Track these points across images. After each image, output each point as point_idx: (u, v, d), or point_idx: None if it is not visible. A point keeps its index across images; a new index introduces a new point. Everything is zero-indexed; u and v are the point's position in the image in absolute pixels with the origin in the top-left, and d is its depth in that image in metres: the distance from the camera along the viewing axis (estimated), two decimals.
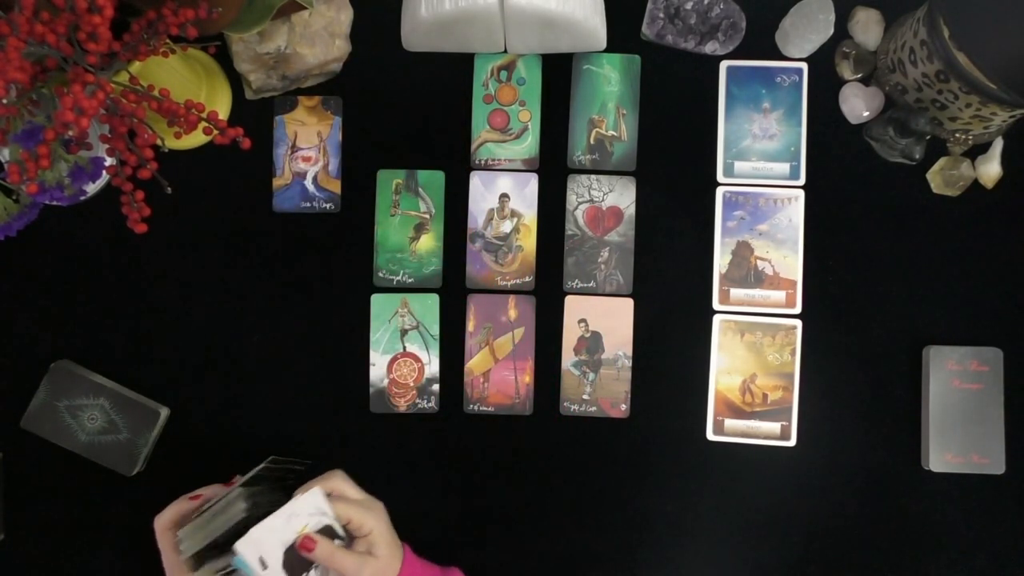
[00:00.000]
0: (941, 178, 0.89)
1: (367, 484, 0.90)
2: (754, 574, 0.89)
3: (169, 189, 0.72)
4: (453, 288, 0.90)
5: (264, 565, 0.72)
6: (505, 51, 0.90)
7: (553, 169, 0.91)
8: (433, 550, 0.90)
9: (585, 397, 0.90)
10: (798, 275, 0.89)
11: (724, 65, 0.91)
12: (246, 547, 0.71)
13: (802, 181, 0.90)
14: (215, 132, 0.68)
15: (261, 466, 0.77)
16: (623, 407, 0.90)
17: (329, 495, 0.75)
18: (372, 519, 0.76)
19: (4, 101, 0.63)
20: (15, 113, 0.64)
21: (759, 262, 0.90)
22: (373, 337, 0.90)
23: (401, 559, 0.77)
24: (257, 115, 0.91)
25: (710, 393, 0.89)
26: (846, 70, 0.90)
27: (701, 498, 0.89)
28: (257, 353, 0.90)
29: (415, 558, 0.79)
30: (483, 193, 0.90)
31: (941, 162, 0.89)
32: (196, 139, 0.89)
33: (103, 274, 0.90)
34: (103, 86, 0.62)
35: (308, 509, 0.74)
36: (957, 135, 0.88)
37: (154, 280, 0.90)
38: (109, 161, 0.70)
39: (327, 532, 0.74)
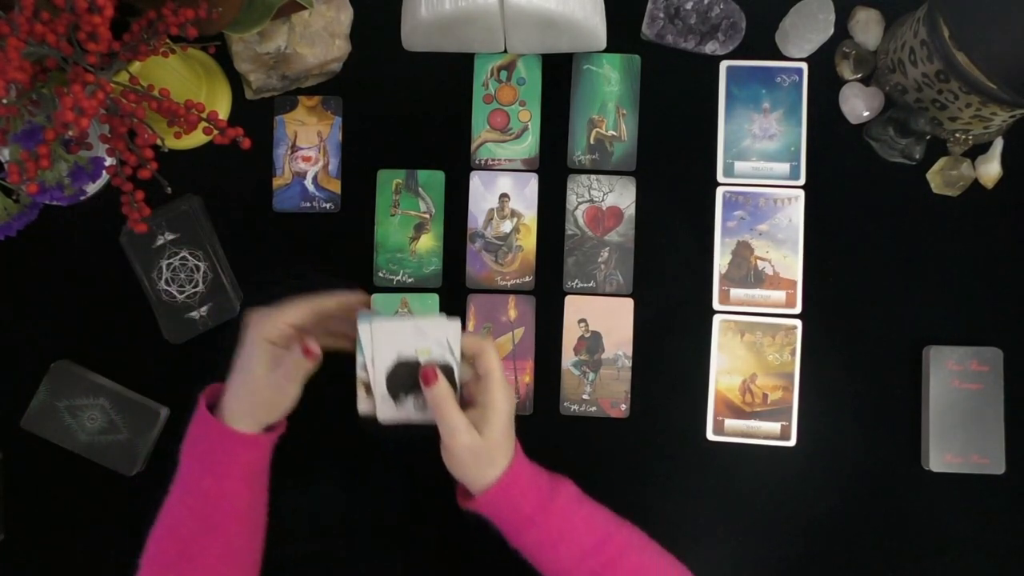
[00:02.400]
0: (941, 178, 0.89)
1: (367, 484, 0.91)
2: (754, 574, 0.89)
3: (169, 189, 0.72)
4: (453, 288, 0.90)
5: (371, 361, 0.70)
6: (505, 51, 0.90)
7: (553, 169, 0.91)
8: (433, 550, 0.90)
9: (585, 397, 0.90)
10: (798, 275, 0.89)
11: (724, 65, 0.91)
12: (366, 319, 0.70)
13: (802, 181, 0.90)
14: (215, 132, 0.68)
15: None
16: (623, 407, 0.90)
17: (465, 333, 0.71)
18: (500, 370, 0.69)
19: (4, 101, 0.63)
20: (15, 113, 0.64)
21: (759, 262, 0.90)
22: None
23: (510, 458, 0.70)
24: (257, 115, 0.91)
25: (710, 393, 0.89)
26: (846, 70, 0.90)
27: (701, 498, 0.89)
28: None
29: (525, 459, 0.73)
30: (483, 193, 0.90)
31: (941, 162, 0.89)
32: (196, 139, 0.89)
33: (103, 274, 0.90)
34: (103, 86, 0.62)
35: (437, 334, 0.70)
36: (957, 135, 0.88)
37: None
38: (109, 161, 0.70)
39: (446, 372, 0.70)
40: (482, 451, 0.69)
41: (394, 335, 0.71)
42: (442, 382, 0.69)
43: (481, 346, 0.71)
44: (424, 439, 0.88)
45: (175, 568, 0.71)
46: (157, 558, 0.72)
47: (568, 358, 0.90)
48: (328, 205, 0.90)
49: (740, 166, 0.90)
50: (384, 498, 0.90)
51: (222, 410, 0.71)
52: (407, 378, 0.71)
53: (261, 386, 0.71)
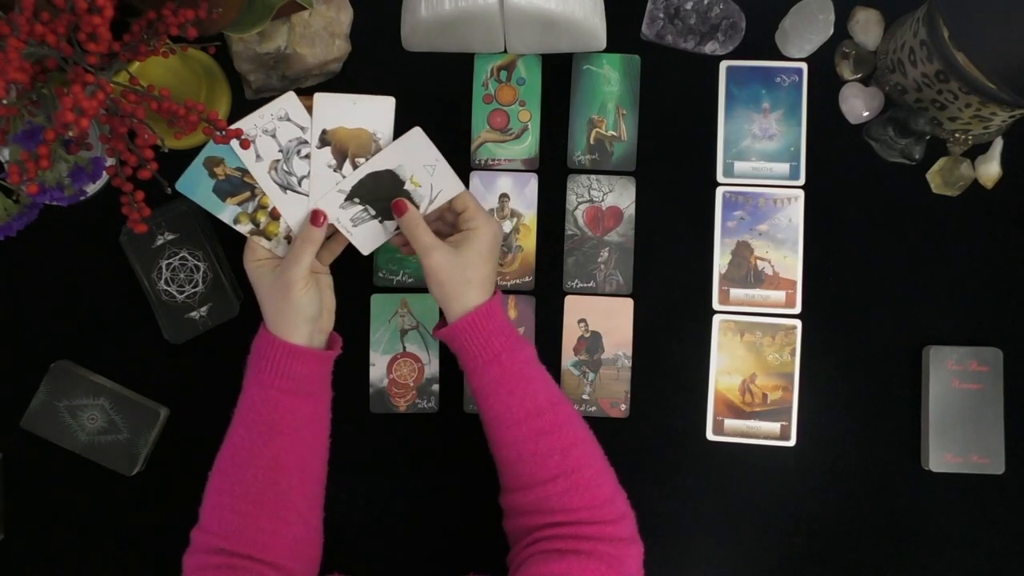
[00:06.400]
0: (941, 178, 0.89)
1: (367, 484, 0.91)
2: (754, 574, 0.89)
3: (169, 189, 0.72)
4: None
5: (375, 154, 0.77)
6: (505, 51, 0.90)
7: (553, 169, 0.91)
8: (433, 549, 0.91)
9: (585, 397, 0.90)
10: (798, 275, 0.89)
11: (724, 65, 0.91)
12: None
13: (802, 181, 0.90)
14: (215, 132, 0.68)
15: None
16: (623, 407, 0.90)
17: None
18: (476, 204, 0.78)
19: (4, 101, 0.63)
20: (15, 113, 0.64)
21: (759, 262, 0.90)
22: (373, 337, 0.90)
23: (490, 294, 0.77)
24: None
25: (710, 393, 0.90)
26: (846, 70, 0.90)
27: (701, 498, 0.89)
28: None
29: (503, 307, 0.78)
30: (483, 193, 0.90)
31: (941, 162, 0.89)
32: (196, 139, 0.89)
33: (103, 274, 0.90)
34: (103, 86, 0.62)
35: (440, 185, 0.78)
36: (957, 135, 0.88)
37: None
38: (109, 161, 0.70)
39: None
40: (457, 268, 0.75)
41: (418, 151, 0.77)
42: (412, 209, 0.76)
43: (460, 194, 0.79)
44: (425, 442, 0.87)
45: (231, 476, 0.75)
46: (219, 474, 0.76)
47: (568, 358, 0.90)
48: None
49: (740, 166, 0.90)
50: (385, 499, 0.90)
51: (269, 329, 0.77)
52: (384, 188, 0.77)
53: (276, 293, 0.75)
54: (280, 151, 0.77)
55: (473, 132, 0.91)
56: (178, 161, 0.78)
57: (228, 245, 0.90)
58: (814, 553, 0.89)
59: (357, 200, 0.78)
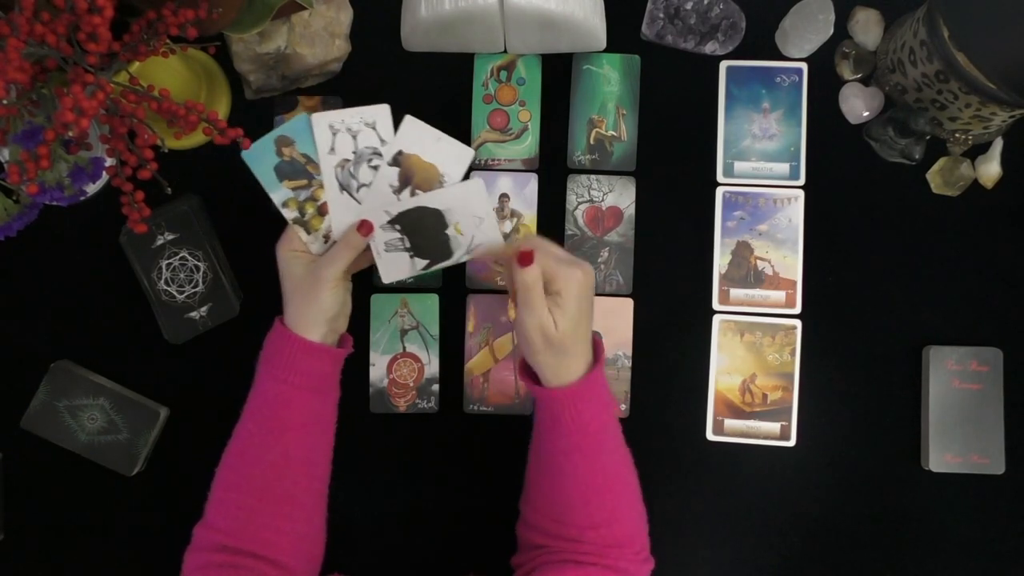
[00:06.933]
0: (941, 178, 0.89)
1: (367, 484, 0.91)
2: (754, 574, 0.89)
3: (169, 189, 0.72)
4: (453, 288, 0.90)
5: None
6: (505, 51, 0.90)
7: (553, 169, 0.91)
8: (433, 549, 0.91)
9: None
10: (798, 275, 0.89)
11: (724, 65, 0.91)
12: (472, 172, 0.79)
13: (802, 181, 0.90)
14: (215, 132, 0.68)
15: None
16: (623, 407, 0.90)
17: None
18: (555, 261, 0.70)
19: (4, 101, 0.63)
20: (15, 113, 0.64)
21: (759, 262, 0.90)
22: (373, 337, 0.90)
23: (589, 359, 0.73)
24: (257, 115, 0.91)
25: (710, 393, 0.90)
26: (846, 70, 0.90)
27: (701, 498, 0.89)
28: (257, 354, 0.90)
29: (603, 370, 0.74)
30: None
31: (941, 162, 0.89)
32: (196, 139, 0.89)
33: (103, 274, 0.90)
34: (103, 86, 0.62)
35: (482, 235, 0.77)
36: (957, 135, 0.88)
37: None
38: (109, 161, 0.70)
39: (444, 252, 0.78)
40: (555, 340, 0.70)
41: (472, 200, 0.77)
42: (536, 268, 0.70)
43: (533, 244, 0.72)
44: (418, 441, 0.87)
45: (239, 471, 0.75)
46: (227, 468, 0.76)
47: None
48: None
49: (740, 166, 0.90)
50: (385, 499, 0.90)
51: (286, 324, 0.77)
52: (426, 225, 0.77)
53: (305, 287, 0.75)
54: (354, 152, 0.77)
55: (473, 132, 0.91)
56: (178, 161, 0.78)
57: (228, 245, 0.90)
58: (814, 553, 0.89)
59: (398, 227, 0.78)
